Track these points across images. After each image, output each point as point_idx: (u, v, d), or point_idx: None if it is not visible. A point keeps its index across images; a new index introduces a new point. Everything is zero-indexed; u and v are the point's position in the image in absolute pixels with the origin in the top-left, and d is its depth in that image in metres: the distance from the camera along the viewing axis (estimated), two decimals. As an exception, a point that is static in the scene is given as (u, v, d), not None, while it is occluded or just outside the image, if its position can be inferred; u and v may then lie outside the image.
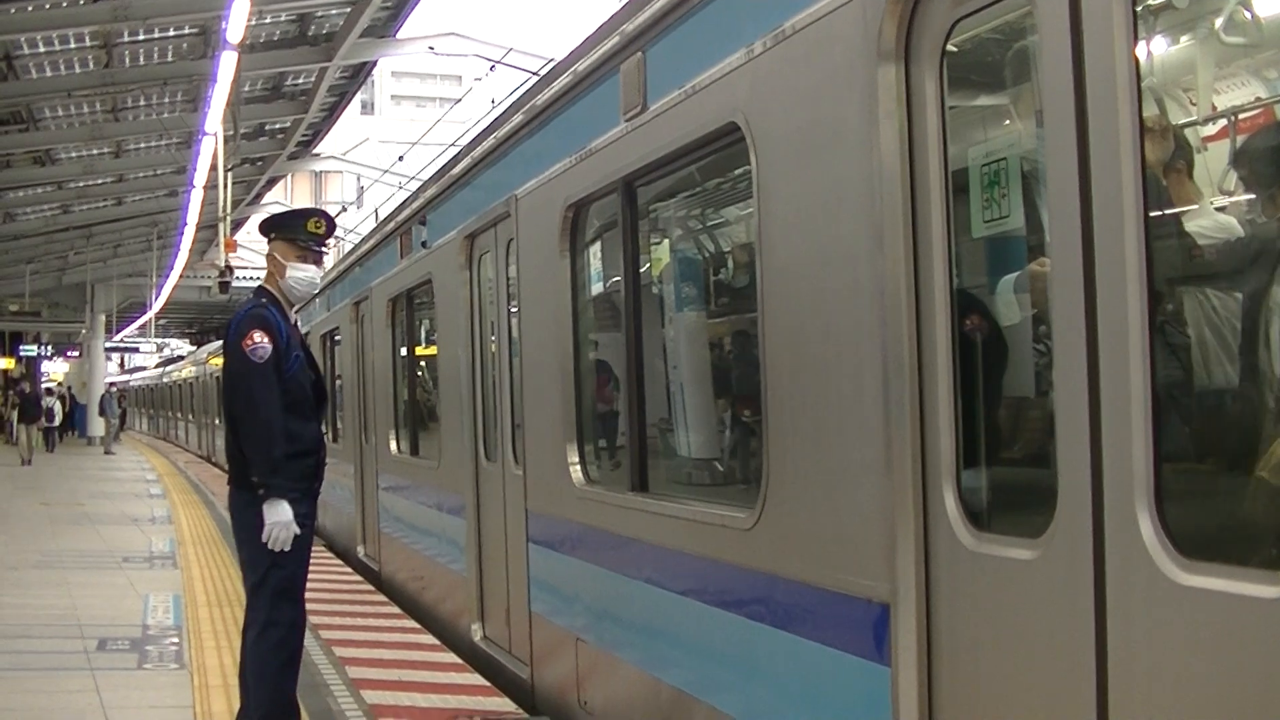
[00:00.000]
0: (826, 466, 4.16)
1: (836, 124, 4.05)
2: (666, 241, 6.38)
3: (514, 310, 7.81)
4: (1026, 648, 3.30)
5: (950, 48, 3.66)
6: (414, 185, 28.70)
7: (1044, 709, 3.24)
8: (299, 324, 6.56)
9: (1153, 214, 3.05)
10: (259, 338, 5.90)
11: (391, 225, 12.00)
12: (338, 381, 15.65)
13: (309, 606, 6.19)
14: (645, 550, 5.65)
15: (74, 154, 30.55)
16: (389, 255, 12.00)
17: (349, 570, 13.71)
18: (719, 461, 5.85)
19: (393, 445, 11.96)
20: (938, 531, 3.64)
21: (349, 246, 33.81)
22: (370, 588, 12.35)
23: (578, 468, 6.54)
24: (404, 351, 12.09)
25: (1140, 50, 3.06)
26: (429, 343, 11.66)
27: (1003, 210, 3.59)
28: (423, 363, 12.10)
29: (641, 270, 6.03)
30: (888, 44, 3.73)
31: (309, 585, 6.20)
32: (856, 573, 3.95)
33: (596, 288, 6.86)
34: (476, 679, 8.09)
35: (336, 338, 15.74)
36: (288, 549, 5.89)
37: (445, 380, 9.86)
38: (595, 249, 6.79)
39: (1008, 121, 3.85)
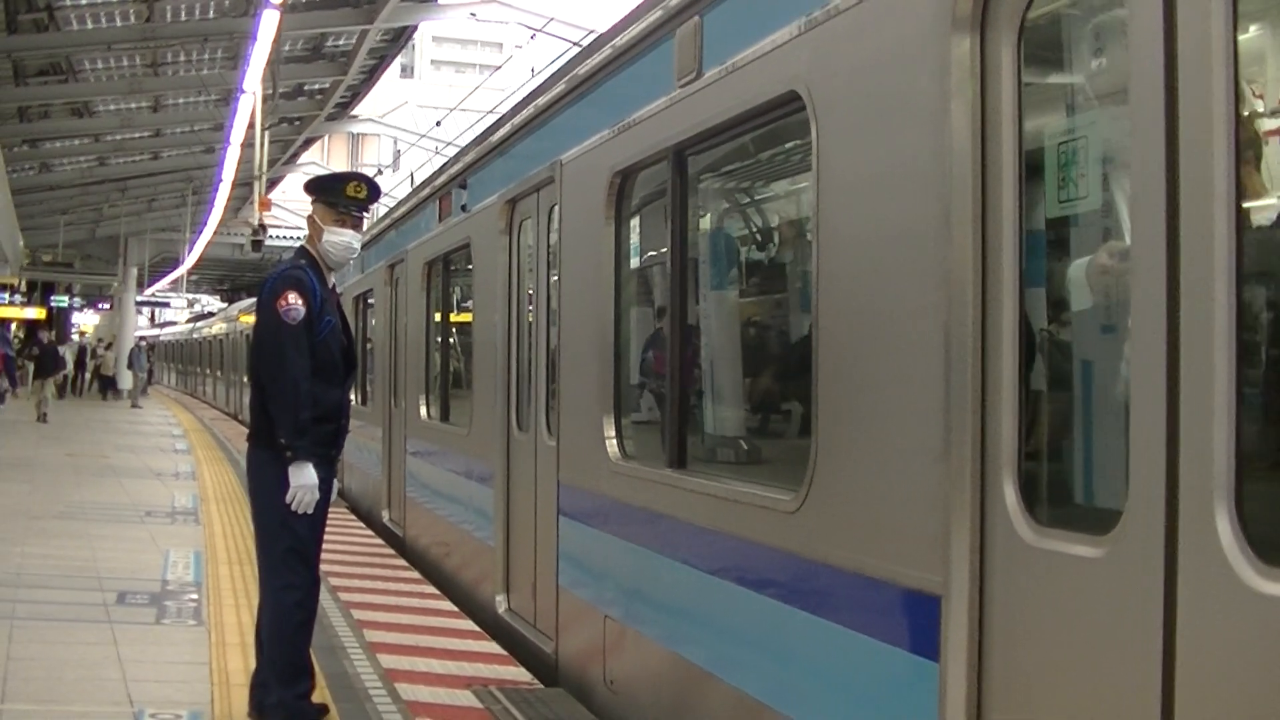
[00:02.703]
0: (879, 450, 3.99)
1: (905, 96, 3.86)
2: (718, 212, 6.17)
3: (554, 278, 7.61)
4: (1087, 651, 3.13)
5: (1030, 18, 3.47)
6: (451, 151, 28.81)
7: (1103, 717, 3.07)
8: (336, 287, 6.46)
9: (1246, 203, 2.87)
10: (293, 299, 5.85)
11: (431, 188, 11.74)
12: (369, 344, 15.44)
13: (329, 568, 6.14)
14: (682, 529, 5.48)
15: (112, 107, 30.54)
16: (427, 218, 11.74)
17: (371, 533, 13.59)
18: (764, 441, 5.65)
19: (423, 410, 11.71)
20: (995, 524, 3.47)
21: (384, 210, 33.88)
22: (392, 551, 12.27)
23: (614, 441, 6.36)
24: (438, 316, 11.84)
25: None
26: (464, 308, 11.38)
27: (1080, 191, 3.40)
28: (457, 328, 11.84)
29: (689, 241, 5.83)
30: (963, 13, 3.54)
31: (329, 548, 6.14)
32: (906, 563, 3.78)
33: (641, 258, 6.67)
34: (494, 648, 8.04)
35: (370, 300, 15.50)
36: (310, 512, 5.85)
37: (479, 347, 9.64)
38: (641, 218, 6.59)
39: (1089, 99, 3.63)
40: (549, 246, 7.76)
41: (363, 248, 15.40)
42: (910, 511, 3.78)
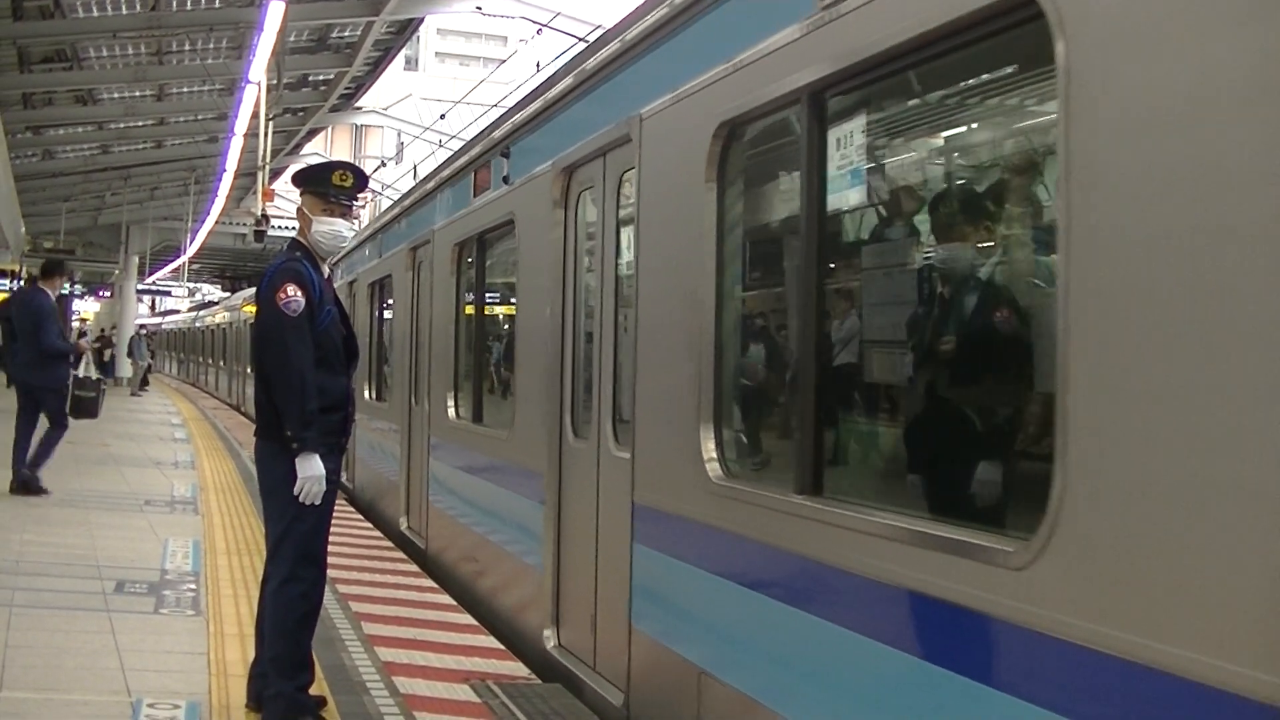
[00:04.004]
0: (1188, 484, 2.70)
1: None
2: (880, 165, 4.69)
3: (626, 257, 6.34)
4: None
5: None
6: (455, 144, 28.78)
7: None
8: (332, 278, 6.42)
9: None
10: (292, 291, 5.78)
11: (465, 159, 10.15)
12: (387, 334, 14.14)
13: (329, 561, 6.14)
14: (821, 575, 4.20)
15: (116, 95, 30.26)
16: (459, 194, 10.22)
17: (368, 525, 13.17)
18: (950, 463, 4.15)
19: (451, 410, 10.21)
20: None
21: (387, 203, 33.86)
22: (387, 542, 11.82)
23: (715, 458, 5.07)
24: (471, 303, 10.26)
25: None
26: (504, 294, 9.94)
27: None
28: (494, 317, 10.35)
29: (828, 205, 4.49)
30: None
31: (329, 542, 6.13)
32: (1236, 658, 2.53)
33: (756, 229, 5.31)
34: (492, 642, 7.78)
35: (387, 286, 14.02)
36: (319, 503, 5.75)
37: (524, 338, 8.12)
38: (756, 180, 5.24)
39: None
40: (618, 220, 6.50)
41: (380, 229, 14.07)
42: (1243, 579, 2.55)
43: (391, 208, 14.32)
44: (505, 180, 8.54)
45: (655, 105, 5.76)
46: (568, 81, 7.24)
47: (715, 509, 5.00)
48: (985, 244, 4.13)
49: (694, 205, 5.20)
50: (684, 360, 5.31)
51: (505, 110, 9.39)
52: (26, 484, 12.83)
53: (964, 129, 4.32)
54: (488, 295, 10.14)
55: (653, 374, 5.77)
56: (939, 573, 3.51)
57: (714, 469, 5.07)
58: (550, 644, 7.23)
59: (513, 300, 9.19)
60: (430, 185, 11.74)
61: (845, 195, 4.55)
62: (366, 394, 14.86)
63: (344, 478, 14.29)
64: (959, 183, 4.31)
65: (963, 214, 4.25)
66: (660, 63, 5.82)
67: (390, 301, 13.89)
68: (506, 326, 9.68)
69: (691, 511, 5.23)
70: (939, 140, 4.47)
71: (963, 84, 4.15)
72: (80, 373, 13.82)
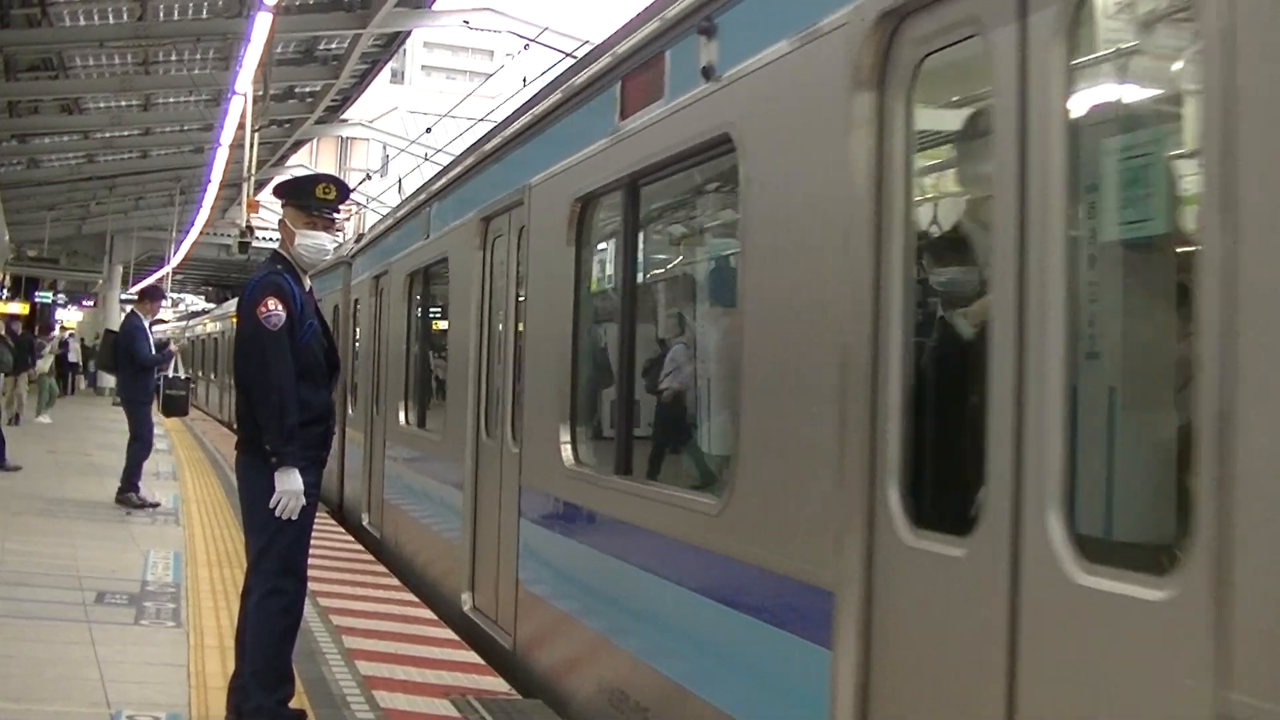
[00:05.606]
0: None
1: None
2: None
3: (1119, 167, 3.27)
4: None
5: None
6: (441, 159, 28.60)
7: None
8: (314, 290, 6.41)
9: None
10: (273, 305, 5.84)
11: (598, 68, 6.69)
12: (436, 339, 11.29)
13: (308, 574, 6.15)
14: None
15: (102, 104, 30.23)
16: (580, 124, 6.94)
17: (349, 537, 13.10)
18: None
19: (568, 452, 6.82)
20: None
21: (374, 218, 33.66)
22: (367, 554, 11.67)
23: None
24: (602, 291, 7.14)
25: None
26: (689, 268, 6.88)
27: None
28: (658, 307, 6.99)
29: None
30: None
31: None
32: None
33: None
34: (473, 657, 7.79)
35: (436, 275, 10.92)
36: (295, 518, 5.81)
37: (758, 340, 4.70)
38: None
39: None
40: (1067, 99, 3.24)
41: (426, 202, 11.50)
42: None
43: (449, 168, 10.95)
44: (707, 74, 5.21)
45: None
46: None
47: None
48: None
49: None
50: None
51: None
52: (130, 500, 13.77)
53: None
54: (651, 272, 7.00)
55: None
56: None
57: None
58: None
59: (711, 276, 6.41)
60: (517, 125, 8.35)
61: None
62: (402, 418, 11.82)
63: (365, 520, 13.96)
64: None
65: None
66: None
67: (444, 294, 10.72)
68: (703, 321, 6.46)
69: None
70: None
71: None
72: (170, 373, 15.06)
